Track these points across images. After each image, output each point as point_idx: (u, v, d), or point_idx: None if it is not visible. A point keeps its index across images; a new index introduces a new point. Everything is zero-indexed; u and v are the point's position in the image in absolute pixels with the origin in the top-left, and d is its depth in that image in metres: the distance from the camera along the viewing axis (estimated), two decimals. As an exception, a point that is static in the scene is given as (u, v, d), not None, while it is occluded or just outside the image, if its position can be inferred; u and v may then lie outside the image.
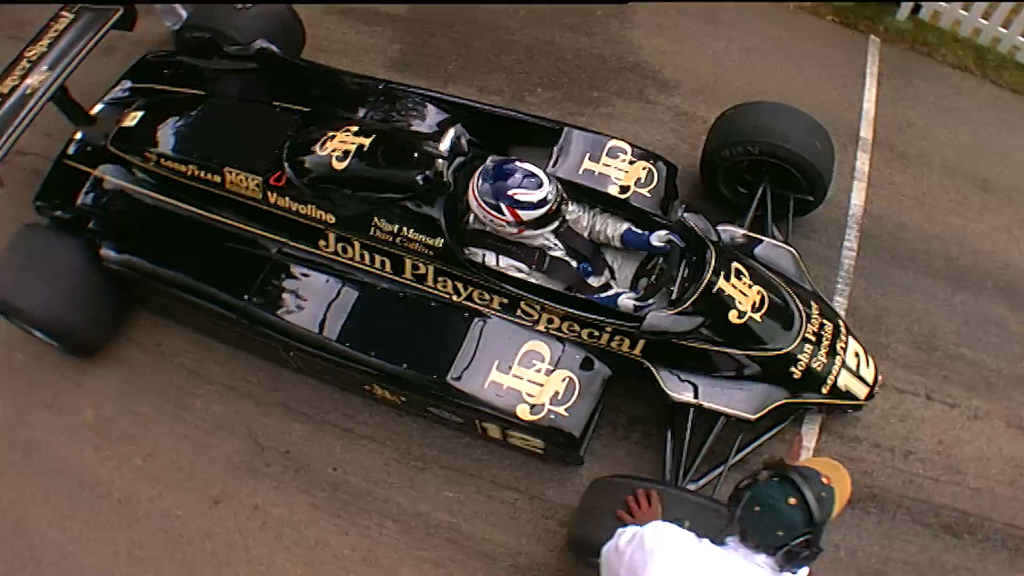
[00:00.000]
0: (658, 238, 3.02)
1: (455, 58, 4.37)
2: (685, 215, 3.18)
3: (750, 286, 2.93)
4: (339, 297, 3.19)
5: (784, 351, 2.95)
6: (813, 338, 3.00)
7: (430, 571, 3.14)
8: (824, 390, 3.03)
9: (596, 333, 2.97)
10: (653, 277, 3.05)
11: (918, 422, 3.36)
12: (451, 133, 3.00)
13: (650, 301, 2.91)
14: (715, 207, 3.57)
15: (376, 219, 3.04)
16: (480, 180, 2.87)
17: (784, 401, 2.99)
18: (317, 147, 3.09)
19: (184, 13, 4.18)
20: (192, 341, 3.60)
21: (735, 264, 2.96)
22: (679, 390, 2.98)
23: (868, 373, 3.12)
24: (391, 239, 3.05)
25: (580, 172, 3.32)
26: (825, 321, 3.09)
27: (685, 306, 2.82)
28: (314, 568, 3.16)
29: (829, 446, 3.28)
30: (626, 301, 2.93)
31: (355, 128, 3.09)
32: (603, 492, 2.78)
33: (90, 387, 3.55)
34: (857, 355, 3.11)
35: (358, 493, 3.30)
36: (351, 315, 3.13)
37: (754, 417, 2.95)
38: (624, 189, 3.28)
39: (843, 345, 3.08)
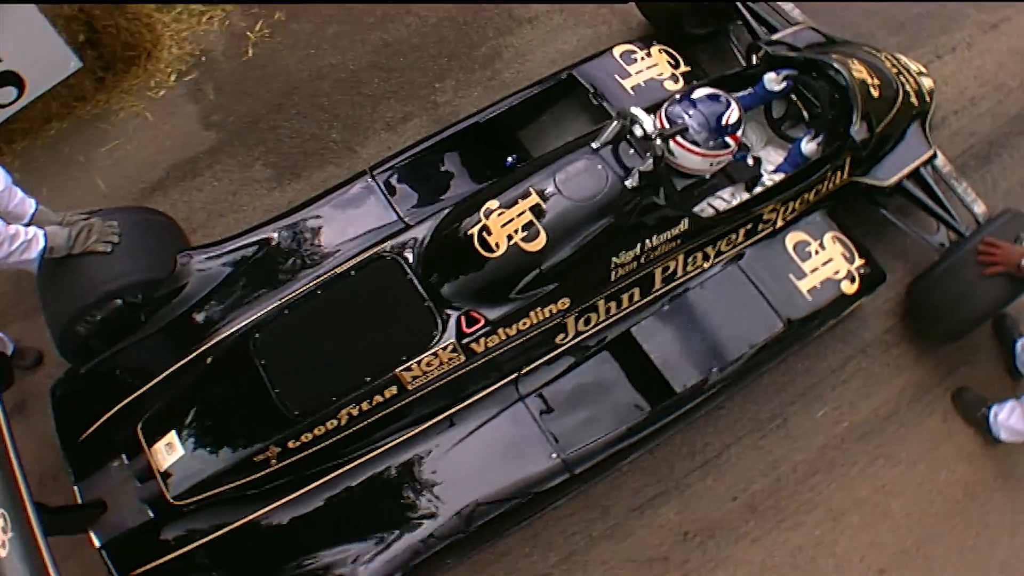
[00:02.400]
0: (773, 81, 2.92)
1: (334, 131, 3.54)
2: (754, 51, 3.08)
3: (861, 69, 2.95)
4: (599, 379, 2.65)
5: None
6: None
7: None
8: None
9: (811, 190, 2.86)
10: (786, 122, 3.01)
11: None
12: (612, 125, 2.44)
13: (818, 135, 2.85)
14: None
15: (614, 259, 2.50)
16: (689, 133, 2.48)
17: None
18: (481, 252, 2.37)
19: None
20: None
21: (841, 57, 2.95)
22: (889, 174, 3.04)
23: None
24: (636, 264, 2.54)
25: (632, 91, 3.06)
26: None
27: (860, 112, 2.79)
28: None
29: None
30: (809, 146, 2.86)
31: (486, 210, 2.40)
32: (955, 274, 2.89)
33: None
34: None
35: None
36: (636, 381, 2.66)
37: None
38: (675, 77, 3.11)
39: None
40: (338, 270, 2.57)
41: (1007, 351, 3.25)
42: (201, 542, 2.37)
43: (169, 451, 2.39)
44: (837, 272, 2.81)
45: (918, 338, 3.26)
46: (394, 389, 2.37)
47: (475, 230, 2.38)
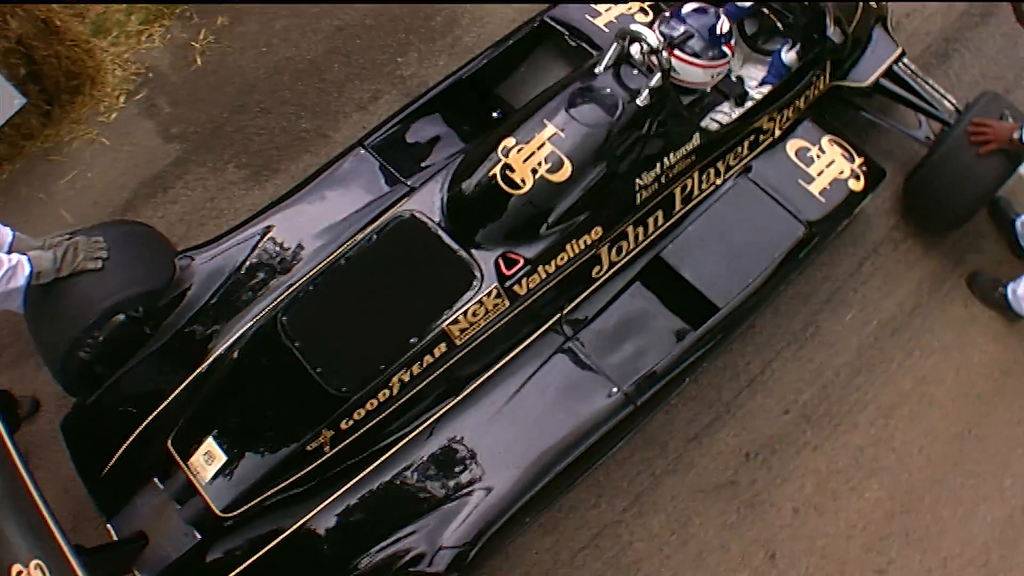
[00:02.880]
0: None
1: (303, 121, 3.40)
2: None
3: None
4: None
5: None
6: None
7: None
8: None
9: (800, 96, 2.87)
10: (760, 37, 3.00)
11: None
12: (613, 47, 2.38)
13: (796, 44, 2.86)
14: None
15: (638, 181, 2.43)
16: (687, 47, 2.44)
17: None
18: (508, 191, 2.27)
19: None
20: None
21: None
22: (866, 75, 3.08)
23: None
24: (658, 185, 2.48)
25: (606, 28, 2.99)
26: None
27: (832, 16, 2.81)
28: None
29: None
30: (789, 55, 2.87)
31: (503, 148, 2.30)
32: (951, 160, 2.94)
33: None
34: None
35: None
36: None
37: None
38: (644, 11, 3.11)
39: None
40: (357, 237, 2.43)
41: (1008, 233, 3.31)
42: (260, 554, 2.17)
43: (209, 461, 2.18)
44: (842, 172, 2.81)
45: (922, 231, 3.29)
46: (443, 346, 2.23)
47: (497, 170, 2.29)
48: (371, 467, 2.26)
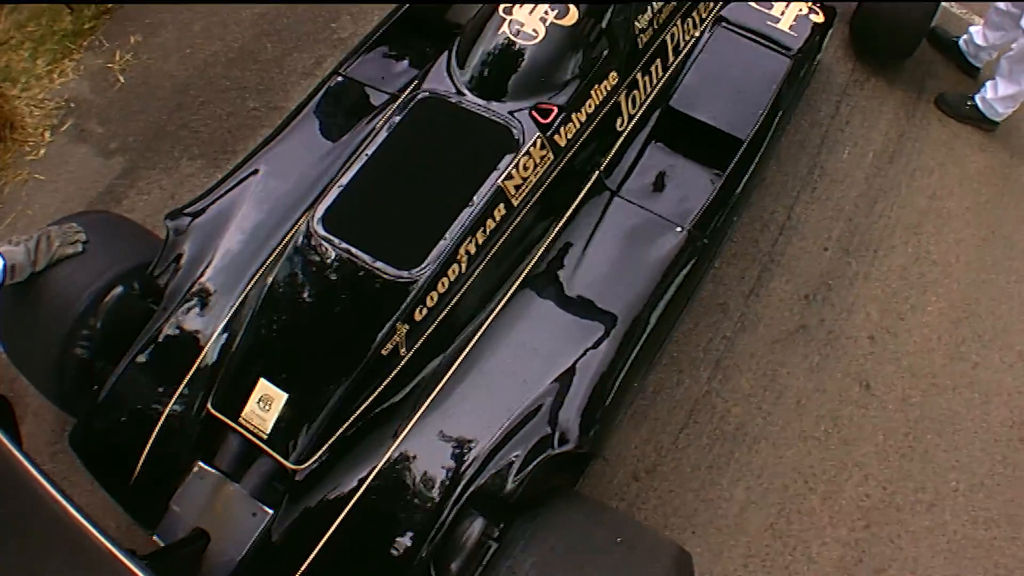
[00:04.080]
0: None
1: (249, 101, 3.18)
2: None
3: None
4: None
5: None
6: None
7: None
8: None
9: None
10: None
11: None
12: None
13: None
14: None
15: (636, 24, 2.37)
16: None
17: None
18: (524, 43, 2.13)
19: None
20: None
21: None
22: None
23: None
24: (652, 30, 2.43)
25: None
26: None
27: None
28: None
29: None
30: None
31: (504, 8, 2.18)
32: None
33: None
34: None
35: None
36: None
37: None
38: None
39: None
40: (378, 131, 2.15)
41: (955, 55, 3.45)
42: (353, 501, 1.83)
43: (266, 406, 1.85)
44: (801, 10, 2.84)
45: (880, 67, 3.38)
46: (502, 208, 2.02)
47: (506, 27, 2.16)
48: (455, 366, 1.99)
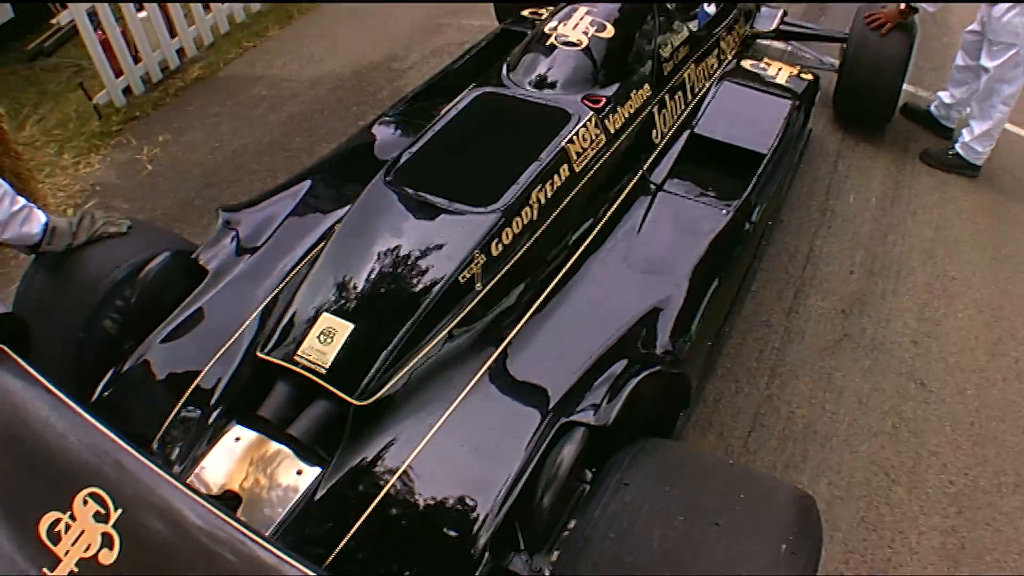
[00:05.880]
0: None
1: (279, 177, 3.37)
2: None
3: None
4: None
5: None
6: None
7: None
8: None
9: (733, 26, 3.37)
10: None
11: None
12: None
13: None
14: None
15: (660, 52, 2.68)
16: None
17: None
18: (571, 48, 2.44)
19: None
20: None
21: None
22: (768, 26, 3.70)
23: None
24: (673, 64, 2.76)
25: None
26: None
27: None
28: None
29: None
30: (711, 8, 3.39)
31: (549, 29, 2.53)
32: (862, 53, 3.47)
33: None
34: None
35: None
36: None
37: None
38: None
39: None
40: (439, 119, 2.31)
41: (929, 122, 3.84)
42: (423, 443, 1.62)
43: (327, 339, 1.67)
44: (792, 72, 3.20)
45: (866, 134, 3.76)
46: (565, 169, 2.14)
47: (554, 38, 2.48)
48: (530, 313, 1.94)
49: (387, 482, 1.57)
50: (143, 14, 3.92)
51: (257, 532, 1.12)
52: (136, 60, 3.96)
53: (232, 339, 1.88)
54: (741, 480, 1.61)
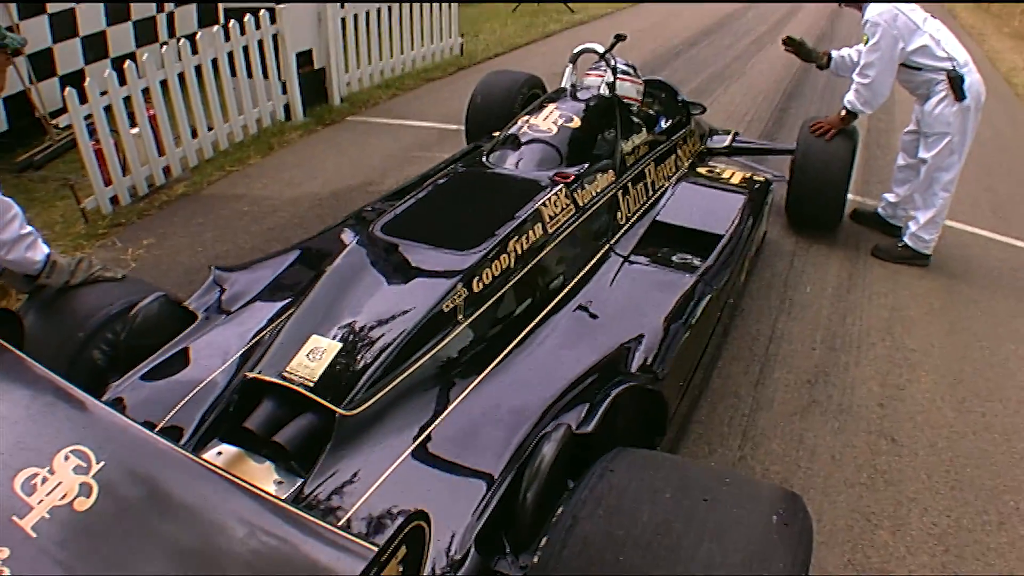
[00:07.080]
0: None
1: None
2: None
3: None
4: None
5: None
6: None
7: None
8: None
9: (687, 138, 3.77)
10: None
11: None
12: (569, 68, 3.29)
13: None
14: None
15: (622, 145, 3.00)
16: (622, 66, 3.34)
17: None
18: (540, 132, 2.83)
19: None
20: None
21: None
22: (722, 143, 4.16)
23: None
24: (634, 157, 3.10)
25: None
26: None
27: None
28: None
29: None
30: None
31: (524, 118, 2.95)
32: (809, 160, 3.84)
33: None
34: None
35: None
36: None
37: None
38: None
39: None
40: (422, 188, 2.62)
41: (879, 224, 4.15)
42: (409, 450, 1.70)
43: (316, 357, 1.78)
44: (746, 175, 3.55)
45: (818, 236, 4.05)
46: (539, 228, 2.37)
47: (526, 127, 2.88)
48: (513, 343, 2.11)
49: (368, 490, 1.61)
50: (135, 130, 4.30)
51: (243, 480, 1.21)
52: (125, 172, 4.27)
53: (217, 371, 1.95)
54: (725, 475, 1.62)
